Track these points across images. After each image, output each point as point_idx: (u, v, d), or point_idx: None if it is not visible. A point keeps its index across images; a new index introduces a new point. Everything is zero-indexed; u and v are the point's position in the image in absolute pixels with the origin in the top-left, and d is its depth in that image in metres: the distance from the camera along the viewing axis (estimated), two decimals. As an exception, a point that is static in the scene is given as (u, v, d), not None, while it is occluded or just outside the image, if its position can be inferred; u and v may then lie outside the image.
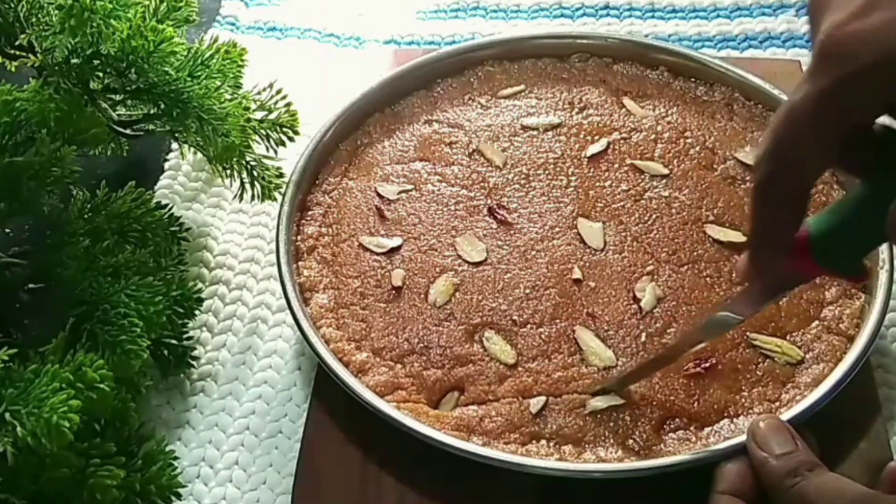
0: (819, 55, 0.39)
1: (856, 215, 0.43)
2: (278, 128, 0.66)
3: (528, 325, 0.60)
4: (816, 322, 0.59)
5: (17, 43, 0.63)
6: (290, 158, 0.69)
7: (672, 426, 0.55)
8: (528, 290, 0.62)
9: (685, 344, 0.55)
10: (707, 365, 0.57)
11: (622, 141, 0.71)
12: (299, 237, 0.66)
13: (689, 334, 0.56)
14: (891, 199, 0.39)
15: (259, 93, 0.65)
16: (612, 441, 0.55)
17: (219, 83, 0.62)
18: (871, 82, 0.38)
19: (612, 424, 0.56)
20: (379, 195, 0.68)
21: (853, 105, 0.39)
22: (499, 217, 0.66)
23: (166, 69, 0.60)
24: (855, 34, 0.38)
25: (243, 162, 0.65)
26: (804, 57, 0.81)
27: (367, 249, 0.65)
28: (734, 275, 0.57)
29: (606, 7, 0.88)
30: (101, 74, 0.62)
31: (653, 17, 0.87)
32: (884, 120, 0.42)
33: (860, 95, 0.39)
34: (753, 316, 0.52)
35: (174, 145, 0.75)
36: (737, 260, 0.62)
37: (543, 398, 0.57)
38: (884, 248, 0.61)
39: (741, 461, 0.51)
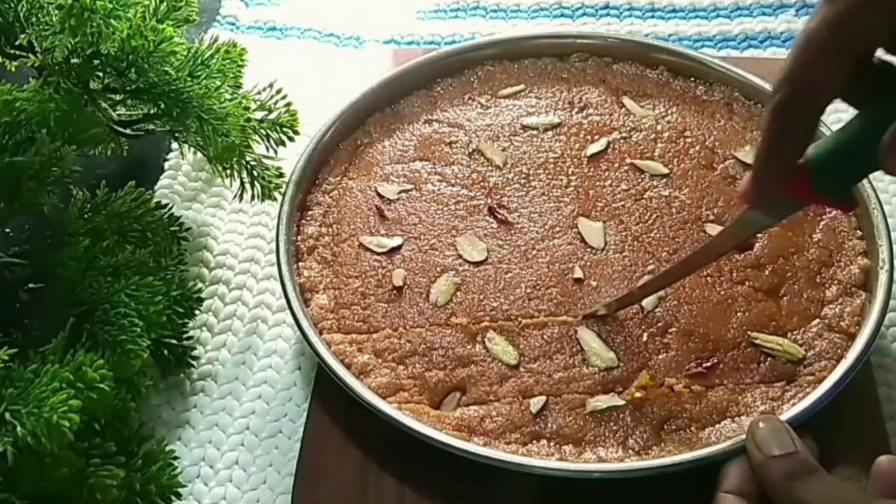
0: None
1: (851, 144, 0.45)
2: (278, 128, 0.66)
3: (530, 325, 0.60)
4: (817, 320, 0.60)
5: (17, 43, 0.63)
6: (290, 158, 0.69)
7: (673, 426, 0.55)
8: (529, 290, 0.62)
9: (697, 260, 0.58)
10: (709, 364, 0.57)
11: (622, 140, 0.71)
12: (299, 237, 0.66)
13: (703, 249, 0.58)
14: (884, 129, 0.42)
15: (259, 93, 0.65)
16: (612, 441, 0.55)
17: (219, 83, 0.62)
18: (876, 7, 0.41)
19: (612, 424, 0.56)
20: (379, 195, 0.68)
21: (865, 27, 0.41)
22: (499, 217, 0.66)
23: (166, 69, 0.60)
24: None
25: (243, 162, 0.65)
26: (804, 56, 0.81)
27: (367, 249, 0.65)
28: (735, 197, 0.58)
29: (606, 7, 0.88)
30: (101, 74, 0.62)
31: (653, 17, 0.87)
32: (881, 54, 0.45)
33: (872, 18, 0.41)
34: (751, 237, 0.57)
35: (174, 145, 0.75)
36: (737, 259, 0.63)
37: (544, 398, 0.57)
38: (884, 247, 0.61)
39: (745, 460, 0.51)
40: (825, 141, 0.47)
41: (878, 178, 0.70)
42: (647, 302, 0.60)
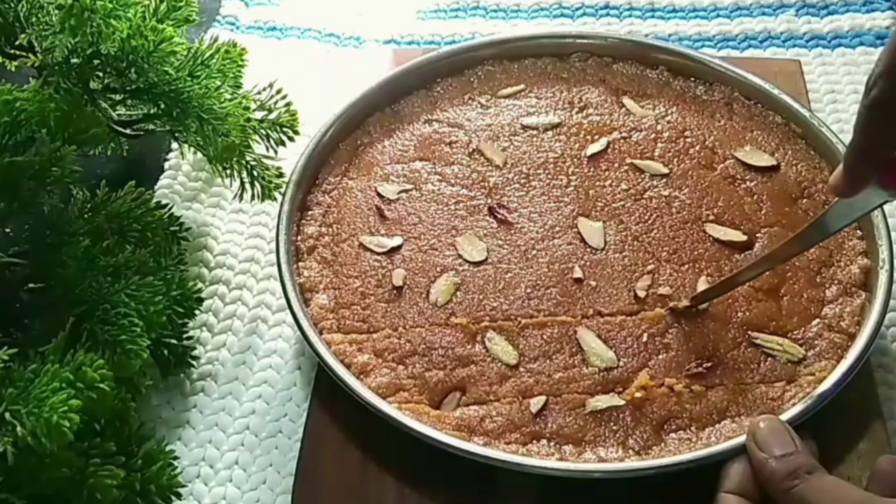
0: None
1: None
2: (278, 128, 0.65)
3: (530, 325, 0.60)
4: (818, 320, 0.60)
5: (17, 43, 0.63)
6: (290, 158, 0.69)
7: (673, 426, 0.55)
8: (529, 290, 0.62)
9: (779, 256, 0.58)
10: (709, 364, 0.57)
11: (622, 140, 0.71)
12: (299, 237, 0.66)
13: (789, 242, 0.57)
14: None
15: (259, 93, 0.65)
16: (612, 441, 0.55)
17: (219, 83, 0.62)
18: None
19: (612, 424, 0.56)
20: (379, 195, 0.68)
21: None
22: (499, 216, 0.66)
23: (166, 69, 0.60)
24: None
25: (243, 162, 0.65)
26: (804, 56, 0.81)
27: (367, 249, 0.65)
28: (825, 190, 0.58)
29: (606, 7, 0.88)
30: (101, 74, 0.62)
31: (653, 16, 0.87)
32: None
33: None
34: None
35: (174, 145, 0.75)
36: (738, 259, 0.62)
37: (544, 398, 0.57)
38: (884, 247, 0.61)
39: (746, 460, 0.51)
40: None
41: (878, 178, 0.70)
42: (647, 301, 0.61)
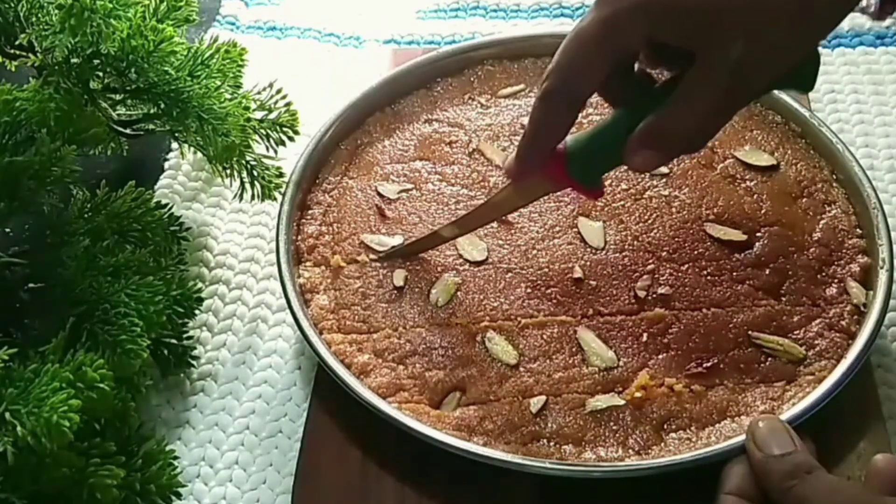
0: None
1: (604, 138, 0.53)
2: (278, 127, 0.66)
3: (530, 325, 0.60)
4: (818, 319, 0.59)
5: (17, 42, 0.63)
6: (290, 158, 0.69)
7: (673, 426, 0.55)
8: (529, 290, 0.62)
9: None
10: (709, 364, 0.57)
11: (622, 140, 0.71)
12: (299, 237, 0.66)
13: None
14: (632, 129, 0.50)
15: (259, 92, 0.65)
16: (612, 441, 0.55)
17: (219, 83, 0.63)
18: (637, 16, 0.48)
19: (612, 424, 0.56)
20: (379, 194, 0.68)
21: (625, 32, 0.49)
22: (499, 216, 0.66)
23: (166, 69, 0.61)
24: None
25: (243, 161, 0.65)
26: (804, 56, 0.81)
27: (368, 249, 0.65)
28: (503, 171, 0.61)
29: (606, 6, 0.88)
30: (101, 74, 0.62)
31: (653, 16, 0.87)
32: (642, 64, 0.53)
33: (630, 25, 0.48)
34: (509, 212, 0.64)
35: (174, 145, 0.75)
36: (738, 258, 0.62)
37: (543, 398, 0.57)
38: (884, 247, 0.61)
39: (747, 461, 0.51)
40: (583, 133, 0.54)
41: (879, 179, 0.70)
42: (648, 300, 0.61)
